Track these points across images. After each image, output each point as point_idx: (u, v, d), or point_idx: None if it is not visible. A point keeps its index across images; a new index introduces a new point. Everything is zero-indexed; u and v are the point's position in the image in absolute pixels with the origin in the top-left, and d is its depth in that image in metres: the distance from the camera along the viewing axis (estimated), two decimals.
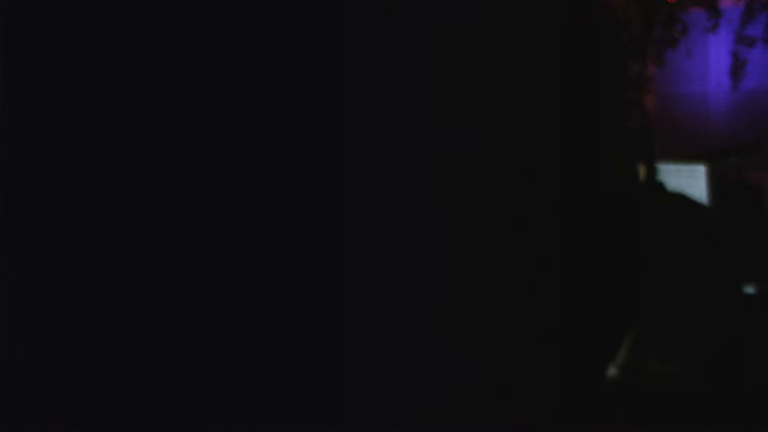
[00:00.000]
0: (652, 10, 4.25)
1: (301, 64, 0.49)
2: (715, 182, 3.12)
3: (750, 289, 2.08)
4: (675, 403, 1.09)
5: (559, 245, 0.53)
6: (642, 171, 2.19)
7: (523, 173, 0.52)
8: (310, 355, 0.47)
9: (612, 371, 1.63)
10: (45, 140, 0.48)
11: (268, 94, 0.49)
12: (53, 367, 0.49)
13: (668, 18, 4.25)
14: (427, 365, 0.48)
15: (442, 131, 0.50)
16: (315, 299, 0.47)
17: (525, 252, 0.52)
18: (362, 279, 0.47)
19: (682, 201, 2.14)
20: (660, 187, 2.18)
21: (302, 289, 0.47)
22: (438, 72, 0.50)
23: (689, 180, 3.14)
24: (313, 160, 0.49)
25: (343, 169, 0.48)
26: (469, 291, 0.50)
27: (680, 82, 5.23)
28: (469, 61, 0.50)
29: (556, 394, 0.52)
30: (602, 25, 0.58)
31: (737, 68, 4.37)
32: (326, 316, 0.47)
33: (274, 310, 0.47)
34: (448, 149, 0.51)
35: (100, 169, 0.49)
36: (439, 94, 0.50)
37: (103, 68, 0.48)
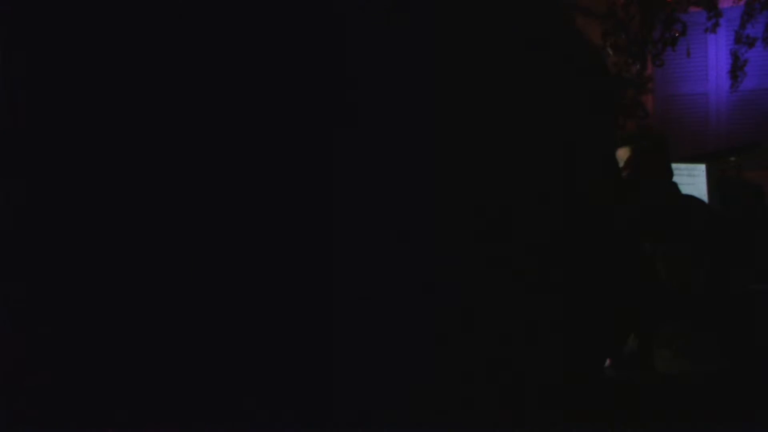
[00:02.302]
0: (652, 10, 4.25)
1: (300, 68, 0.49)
2: (715, 182, 3.12)
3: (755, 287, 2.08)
4: (677, 402, 1.09)
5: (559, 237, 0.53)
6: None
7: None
8: (298, 354, 0.46)
9: (611, 370, 1.63)
10: None
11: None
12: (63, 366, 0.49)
13: (668, 18, 4.25)
14: (418, 363, 0.47)
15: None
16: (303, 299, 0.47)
17: (524, 247, 0.52)
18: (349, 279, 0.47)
19: (694, 203, 2.13)
20: (674, 188, 2.17)
21: (290, 289, 0.47)
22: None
23: (689, 180, 3.14)
24: (303, 161, 0.49)
25: (330, 171, 0.48)
26: (465, 284, 0.50)
27: (680, 82, 5.23)
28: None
29: (555, 386, 0.52)
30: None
31: (737, 68, 4.36)
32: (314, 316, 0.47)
33: (265, 309, 0.47)
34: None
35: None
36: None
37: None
